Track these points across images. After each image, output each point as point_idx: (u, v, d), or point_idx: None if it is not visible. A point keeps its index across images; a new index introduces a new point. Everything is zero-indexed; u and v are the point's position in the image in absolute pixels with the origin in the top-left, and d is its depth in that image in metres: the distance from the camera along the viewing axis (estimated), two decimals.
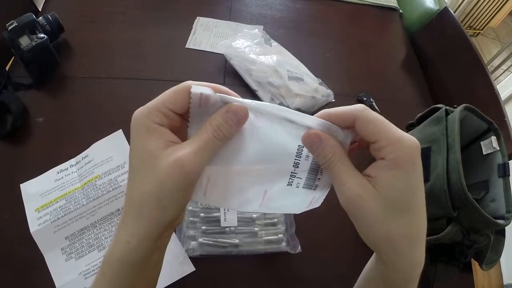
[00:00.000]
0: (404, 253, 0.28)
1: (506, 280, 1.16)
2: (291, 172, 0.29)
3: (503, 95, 1.63)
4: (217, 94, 0.27)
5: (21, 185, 0.60)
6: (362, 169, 0.28)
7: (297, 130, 0.27)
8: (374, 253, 0.34)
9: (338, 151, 0.27)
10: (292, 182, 0.29)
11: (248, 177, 0.29)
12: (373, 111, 0.27)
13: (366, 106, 0.27)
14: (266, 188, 0.30)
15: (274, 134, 0.27)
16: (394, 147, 0.25)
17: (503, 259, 1.30)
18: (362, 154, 0.30)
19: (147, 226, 0.27)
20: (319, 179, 0.29)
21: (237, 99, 0.27)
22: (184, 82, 0.27)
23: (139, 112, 0.28)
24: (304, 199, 0.30)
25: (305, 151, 0.28)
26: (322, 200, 0.31)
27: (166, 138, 0.27)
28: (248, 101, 0.27)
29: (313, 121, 0.27)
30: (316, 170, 0.29)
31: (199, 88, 0.26)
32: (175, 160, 0.25)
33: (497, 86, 1.67)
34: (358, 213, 0.27)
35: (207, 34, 0.82)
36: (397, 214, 0.26)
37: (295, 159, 0.28)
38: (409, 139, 0.26)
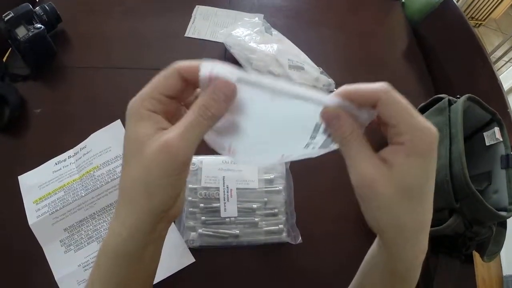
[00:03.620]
0: (411, 240, 0.28)
1: (505, 271, 1.16)
2: (307, 142, 0.30)
3: (505, 86, 1.61)
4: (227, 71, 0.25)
5: (19, 177, 0.59)
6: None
7: (316, 107, 0.27)
8: (377, 240, 0.34)
9: (355, 130, 0.26)
10: (308, 146, 0.31)
11: (266, 145, 0.31)
12: (397, 92, 0.26)
13: (390, 86, 0.26)
14: (283, 152, 0.32)
15: (292, 111, 0.27)
16: (415, 135, 0.25)
17: (503, 251, 1.30)
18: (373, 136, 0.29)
19: (137, 216, 0.27)
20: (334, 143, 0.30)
21: (249, 78, 0.26)
22: (172, 65, 0.27)
23: (132, 100, 0.28)
24: (319, 152, 0.32)
25: (321, 126, 0.28)
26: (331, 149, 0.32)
27: (157, 125, 0.26)
28: (266, 81, 0.26)
29: (331, 99, 0.27)
30: (331, 141, 0.30)
31: (207, 67, 0.25)
32: (161, 144, 0.25)
33: (499, 77, 1.66)
34: (370, 196, 0.26)
35: (206, 23, 0.81)
36: (409, 201, 0.26)
37: (312, 134, 0.29)
38: (430, 128, 0.25)
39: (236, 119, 0.28)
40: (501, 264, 1.12)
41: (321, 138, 0.29)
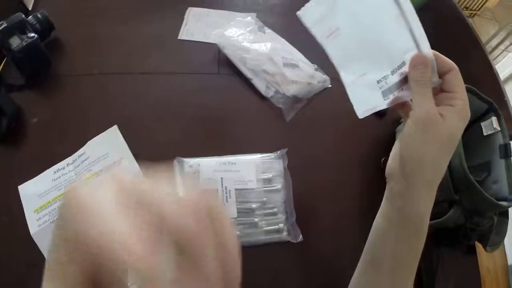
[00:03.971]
0: (432, 183, 0.35)
1: (510, 261, 1.16)
2: (386, 74, 0.36)
3: (502, 75, 1.61)
4: None
5: (19, 186, 0.59)
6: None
7: (412, 49, 0.34)
8: (389, 198, 0.38)
9: (430, 79, 0.34)
10: (380, 81, 0.37)
11: (364, 51, 0.37)
12: None
13: None
14: (366, 71, 0.38)
15: (400, 37, 0.34)
16: (464, 104, 0.34)
17: (507, 240, 1.30)
18: None
19: None
20: (394, 94, 0.37)
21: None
22: None
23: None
24: (372, 102, 0.38)
25: (403, 68, 0.35)
26: (367, 115, 0.40)
27: None
28: (408, 6, 0.32)
29: (428, 51, 0.33)
30: (398, 87, 0.36)
31: None
32: None
33: (496, 66, 1.65)
34: (431, 127, 0.33)
35: (199, 24, 0.81)
36: (449, 148, 0.34)
37: (395, 68, 0.35)
38: (469, 107, 0.35)
39: (360, 12, 0.35)
40: (505, 254, 1.11)
41: (395, 78, 0.36)
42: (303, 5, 1.07)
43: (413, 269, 0.38)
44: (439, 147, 0.34)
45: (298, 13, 0.41)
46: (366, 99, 0.39)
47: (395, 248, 0.38)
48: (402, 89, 0.36)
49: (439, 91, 0.36)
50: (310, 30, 0.38)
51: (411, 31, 0.33)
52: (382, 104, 0.38)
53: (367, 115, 0.40)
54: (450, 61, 0.35)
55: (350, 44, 0.37)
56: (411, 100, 0.36)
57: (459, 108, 0.34)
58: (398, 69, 0.35)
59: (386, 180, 0.38)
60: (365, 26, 0.36)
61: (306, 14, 0.38)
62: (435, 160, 0.34)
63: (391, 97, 0.37)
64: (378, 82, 0.37)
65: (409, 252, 0.37)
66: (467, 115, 0.34)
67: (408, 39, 0.33)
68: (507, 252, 1.14)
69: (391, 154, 0.38)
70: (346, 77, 0.39)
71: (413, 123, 0.34)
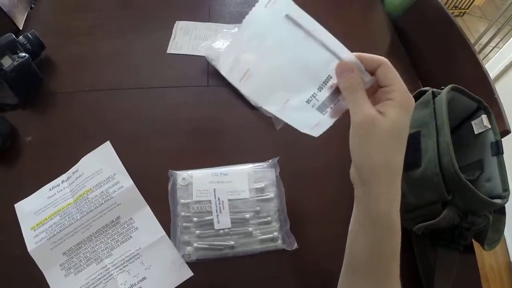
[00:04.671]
0: (393, 178, 0.35)
1: None
2: (313, 93, 0.36)
3: (493, 72, 1.60)
4: None
5: (15, 205, 0.60)
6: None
7: (332, 60, 0.34)
8: (356, 201, 0.38)
9: (362, 83, 0.34)
10: (311, 100, 0.37)
11: (279, 80, 0.36)
12: None
13: None
14: (289, 97, 0.37)
15: (314, 53, 0.34)
16: (403, 94, 0.33)
17: (508, 237, 1.29)
18: None
19: None
20: (331, 107, 0.37)
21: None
22: None
23: None
24: (312, 120, 0.38)
25: (331, 81, 0.35)
26: (321, 132, 0.40)
27: None
28: (312, 24, 0.33)
29: (349, 56, 0.34)
30: (332, 100, 0.36)
31: None
32: None
33: (487, 64, 1.65)
34: (371, 130, 0.33)
35: (187, 38, 0.82)
36: (398, 141, 0.34)
37: (321, 84, 0.35)
38: (410, 95, 0.34)
39: (265, 47, 0.34)
40: (508, 251, 1.11)
41: (325, 93, 0.36)
42: None
43: (390, 270, 0.37)
44: (386, 146, 0.33)
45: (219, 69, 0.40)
46: (305, 119, 0.38)
47: (367, 249, 0.37)
48: (339, 100, 0.36)
49: (377, 88, 0.35)
50: (228, 80, 0.37)
51: (323, 45, 0.33)
52: (323, 118, 0.38)
53: (322, 132, 0.40)
54: (378, 57, 0.35)
55: (263, 79, 0.36)
56: None
57: (398, 100, 0.33)
58: (325, 84, 0.35)
59: (353, 185, 0.38)
60: (276, 57, 0.35)
61: (222, 67, 0.37)
62: (386, 160, 0.34)
63: (329, 110, 0.37)
64: (307, 102, 0.37)
65: (381, 252, 0.37)
66: (408, 104, 0.34)
67: (323, 52, 0.33)
68: (510, 249, 1.14)
69: (352, 161, 0.38)
70: (271, 108, 0.38)
71: (354, 131, 0.34)
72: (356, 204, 0.38)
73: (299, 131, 0.72)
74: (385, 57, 0.92)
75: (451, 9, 2.55)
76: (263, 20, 0.33)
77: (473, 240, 0.61)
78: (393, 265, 0.37)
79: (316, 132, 0.40)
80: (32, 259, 0.55)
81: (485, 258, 1.05)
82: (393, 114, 0.33)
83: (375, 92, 0.35)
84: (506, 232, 1.23)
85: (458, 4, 2.56)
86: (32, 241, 0.57)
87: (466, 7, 2.58)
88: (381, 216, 0.35)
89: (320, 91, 0.36)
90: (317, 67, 0.34)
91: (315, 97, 0.36)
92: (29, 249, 0.56)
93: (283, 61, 0.35)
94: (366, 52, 0.36)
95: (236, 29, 0.79)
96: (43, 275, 0.55)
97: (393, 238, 0.36)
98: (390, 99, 0.33)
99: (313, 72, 0.35)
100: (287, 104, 0.38)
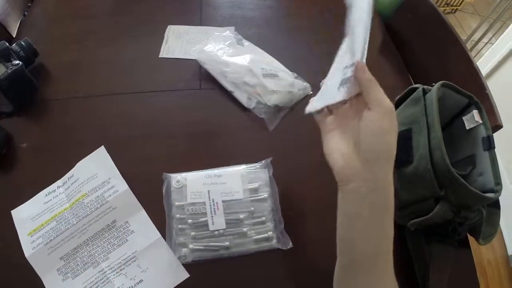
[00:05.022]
0: (389, 163, 0.36)
1: (510, 251, 1.15)
2: (349, 63, 0.40)
3: (486, 67, 1.60)
4: None
5: (12, 211, 0.60)
6: None
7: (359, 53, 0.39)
8: (348, 196, 0.38)
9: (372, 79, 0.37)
10: (346, 68, 0.41)
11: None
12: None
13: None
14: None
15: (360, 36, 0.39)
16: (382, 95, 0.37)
17: (505, 230, 1.29)
18: None
19: None
20: (347, 86, 0.39)
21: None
22: None
23: None
24: (337, 91, 0.41)
25: (352, 68, 0.39)
26: (322, 105, 0.43)
27: None
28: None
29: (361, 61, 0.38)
30: (348, 82, 0.39)
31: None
32: None
33: (480, 60, 1.65)
34: (384, 116, 0.36)
35: (179, 42, 0.82)
36: (395, 135, 0.36)
37: (351, 64, 0.40)
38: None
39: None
40: (505, 244, 1.11)
41: (349, 72, 0.39)
42: (280, 16, 1.09)
43: (390, 259, 0.39)
44: (390, 134, 0.36)
45: None
46: (334, 80, 0.43)
47: (377, 240, 0.38)
48: (353, 85, 0.39)
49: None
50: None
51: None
52: (336, 91, 0.41)
53: (320, 107, 0.43)
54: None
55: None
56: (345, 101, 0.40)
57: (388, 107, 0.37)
58: (351, 67, 0.39)
59: (343, 184, 0.38)
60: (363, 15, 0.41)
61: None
62: (395, 147, 0.37)
63: (341, 89, 0.40)
64: (345, 67, 0.41)
65: (389, 238, 0.38)
66: (383, 98, 0.37)
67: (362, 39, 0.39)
68: (507, 242, 1.14)
69: (339, 155, 0.39)
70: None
71: (383, 116, 0.36)
72: (354, 203, 0.38)
73: (291, 132, 0.72)
74: (376, 56, 0.95)
75: (443, 7, 2.55)
76: None
77: (468, 235, 0.61)
78: (391, 253, 0.38)
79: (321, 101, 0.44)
80: (30, 264, 0.56)
81: (483, 253, 1.05)
82: (381, 109, 0.36)
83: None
84: (503, 226, 1.23)
85: (450, 1, 2.57)
86: (29, 246, 0.57)
87: (458, 4, 2.59)
88: (391, 202, 0.37)
89: (351, 67, 0.39)
90: (357, 48, 0.39)
91: (348, 69, 0.40)
92: (26, 255, 0.56)
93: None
94: None
95: (228, 31, 0.79)
96: (40, 280, 0.55)
97: (392, 226, 0.37)
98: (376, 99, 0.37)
99: (355, 49, 0.39)
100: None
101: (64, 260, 0.57)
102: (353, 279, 0.40)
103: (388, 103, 0.36)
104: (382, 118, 0.36)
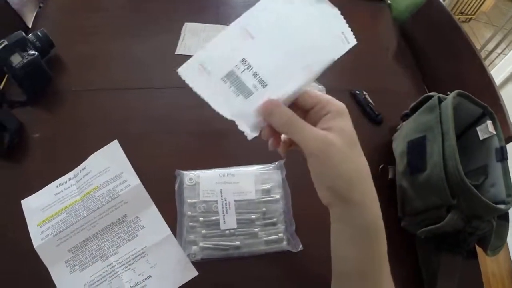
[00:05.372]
0: (367, 182, 0.35)
1: None
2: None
3: (499, 78, 1.60)
4: None
5: (22, 201, 0.60)
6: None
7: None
8: (334, 217, 0.38)
9: (292, 115, 0.33)
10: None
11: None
12: None
13: None
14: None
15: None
16: (333, 104, 0.34)
17: (511, 244, 1.28)
18: None
19: None
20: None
21: None
22: None
23: None
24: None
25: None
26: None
27: None
28: None
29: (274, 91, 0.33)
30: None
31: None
32: None
33: (493, 70, 1.65)
34: (331, 150, 0.32)
35: (196, 39, 0.82)
36: (355, 146, 0.34)
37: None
38: (338, 101, 0.35)
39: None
40: (510, 258, 1.11)
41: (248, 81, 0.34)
42: None
43: (382, 271, 0.38)
44: (349, 157, 0.33)
45: None
46: (225, 57, 0.34)
47: (360, 257, 0.37)
48: (238, 95, 0.34)
49: (306, 113, 0.35)
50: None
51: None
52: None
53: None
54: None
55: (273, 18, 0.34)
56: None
57: (334, 110, 0.34)
58: (258, 81, 0.34)
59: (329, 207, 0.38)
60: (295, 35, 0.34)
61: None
62: (355, 170, 0.34)
63: (227, 84, 0.34)
64: (243, 60, 0.34)
65: (374, 256, 0.37)
66: (343, 108, 0.34)
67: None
68: None
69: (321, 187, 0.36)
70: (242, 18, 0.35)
71: (314, 159, 0.33)
72: (338, 222, 0.38)
73: None
74: (391, 61, 0.94)
75: (457, 15, 2.56)
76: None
77: (476, 246, 0.61)
78: (384, 267, 0.38)
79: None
80: (38, 255, 0.56)
81: (488, 264, 1.05)
82: (338, 125, 0.33)
83: (305, 117, 0.35)
84: (509, 240, 1.23)
85: (465, 10, 2.57)
86: (38, 237, 0.57)
87: (473, 13, 2.60)
88: (370, 224, 0.35)
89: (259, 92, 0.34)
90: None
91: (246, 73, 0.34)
92: (35, 245, 0.56)
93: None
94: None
95: None
96: (48, 271, 0.55)
97: (382, 240, 0.37)
98: (327, 113, 0.34)
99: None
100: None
101: (72, 252, 0.57)
102: None
103: (321, 136, 0.32)
104: (327, 157, 0.32)
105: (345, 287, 0.42)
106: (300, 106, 0.35)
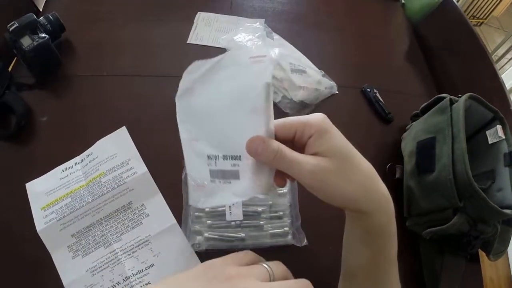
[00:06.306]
0: (378, 188, 0.34)
1: None
2: (217, 155, 0.35)
3: (509, 83, 1.60)
4: None
5: (26, 184, 0.60)
6: None
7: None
8: (348, 217, 0.39)
9: (279, 149, 0.31)
10: (210, 158, 0.35)
11: (208, 119, 0.35)
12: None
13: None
14: (199, 138, 0.36)
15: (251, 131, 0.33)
16: (311, 125, 0.32)
17: (511, 250, 1.28)
18: None
19: None
20: (220, 182, 0.35)
21: None
22: None
23: None
24: (202, 174, 0.36)
25: (237, 161, 0.33)
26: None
27: None
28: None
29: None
30: (228, 176, 0.34)
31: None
32: None
33: (503, 75, 1.65)
34: (326, 180, 0.32)
35: (208, 29, 0.82)
36: (352, 162, 0.33)
37: (229, 155, 0.34)
38: (315, 114, 0.33)
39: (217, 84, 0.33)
40: (509, 264, 1.11)
41: (225, 165, 0.34)
42: (310, 12, 1.08)
43: (390, 275, 0.39)
44: (346, 174, 0.32)
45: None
46: (198, 167, 0.35)
47: (369, 259, 0.38)
48: (230, 182, 0.34)
49: (290, 143, 0.34)
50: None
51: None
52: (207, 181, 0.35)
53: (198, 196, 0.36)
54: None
55: (201, 103, 0.34)
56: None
57: (316, 130, 0.32)
58: (231, 159, 0.33)
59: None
60: (225, 94, 0.33)
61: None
62: (359, 182, 0.33)
63: (217, 182, 0.34)
64: (208, 157, 0.34)
65: (383, 260, 0.38)
66: (324, 124, 0.33)
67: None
68: (511, 262, 1.14)
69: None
70: (182, 132, 0.37)
71: (312, 189, 0.33)
72: (349, 222, 0.38)
73: None
74: (403, 60, 0.93)
75: (469, 19, 2.55)
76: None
77: (479, 250, 0.61)
78: (392, 270, 0.39)
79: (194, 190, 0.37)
80: (40, 239, 0.55)
81: (486, 269, 1.04)
82: (324, 147, 0.32)
83: (292, 145, 0.34)
84: (509, 246, 1.22)
85: (476, 14, 2.57)
86: (41, 221, 0.57)
87: (484, 18, 2.60)
88: (380, 229, 0.36)
89: (224, 160, 0.34)
90: (238, 140, 0.32)
91: (216, 159, 0.34)
92: (38, 229, 0.56)
93: (228, 110, 0.33)
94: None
95: (258, 23, 0.79)
96: (50, 255, 0.55)
97: (393, 245, 0.37)
98: (310, 136, 0.32)
99: (233, 141, 0.33)
100: (193, 141, 0.37)
101: (75, 238, 0.57)
102: None
103: (313, 166, 0.31)
104: (325, 185, 0.32)
105: (348, 285, 0.42)
106: (282, 139, 0.33)
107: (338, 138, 0.33)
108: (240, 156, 0.32)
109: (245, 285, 0.27)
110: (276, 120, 0.33)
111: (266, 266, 0.30)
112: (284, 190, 0.60)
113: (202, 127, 0.35)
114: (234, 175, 0.33)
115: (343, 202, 0.34)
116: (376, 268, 0.38)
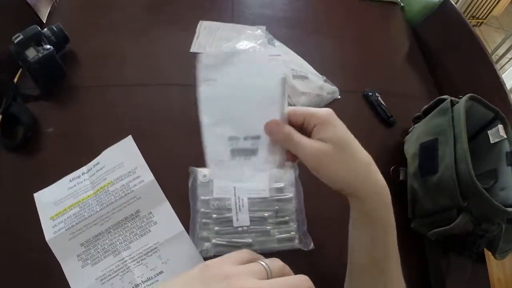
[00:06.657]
0: (373, 176, 0.39)
1: None
2: (238, 136, 0.41)
3: (509, 83, 1.61)
4: None
5: (34, 194, 0.60)
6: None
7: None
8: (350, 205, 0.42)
9: (290, 131, 0.38)
10: (232, 139, 0.41)
11: (230, 104, 0.41)
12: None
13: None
14: (222, 121, 0.41)
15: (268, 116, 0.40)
16: (317, 116, 0.37)
17: None
18: None
19: None
20: (242, 159, 0.41)
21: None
22: None
23: None
24: (220, 154, 0.42)
25: (257, 141, 0.40)
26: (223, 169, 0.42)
27: None
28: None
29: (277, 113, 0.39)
30: (249, 154, 0.40)
31: None
32: None
33: (503, 75, 1.65)
34: (324, 163, 0.37)
35: (210, 38, 0.83)
36: (350, 150, 0.37)
37: (249, 136, 0.41)
38: (324, 108, 0.38)
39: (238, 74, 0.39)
40: None
41: (246, 144, 0.40)
42: (310, 18, 1.08)
43: (390, 266, 0.41)
44: (344, 162, 0.37)
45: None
46: (218, 149, 0.41)
47: (368, 248, 0.41)
48: (250, 158, 0.40)
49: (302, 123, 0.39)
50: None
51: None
52: (228, 160, 0.41)
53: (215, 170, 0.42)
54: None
55: (223, 93, 0.39)
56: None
57: (323, 121, 0.37)
58: (251, 139, 0.40)
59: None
60: (245, 86, 0.39)
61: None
62: (358, 170, 0.38)
63: (238, 159, 0.40)
64: (229, 138, 0.40)
65: (381, 249, 0.40)
66: (330, 115, 0.38)
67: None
68: None
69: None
70: (204, 118, 0.41)
71: (312, 170, 0.38)
72: (352, 209, 0.42)
73: None
74: (403, 63, 0.94)
75: (468, 19, 2.55)
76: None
77: (484, 249, 0.62)
78: (392, 258, 0.41)
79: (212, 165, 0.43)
80: (49, 248, 0.56)
81: (493, 270, 1.04)
82: (326, 135, 0.37)
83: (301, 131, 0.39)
84: None
85: (476, 14, 2.57)
86: (50, 230, 0.57)
87: (484, 17, 2.60)
88: (375, 215, 0.39)
89: (245, 140, 0.40)
90: (258, 122, 0.39)
91: (237, 140, 0.40)
92: (47, 239, 0.56)
93: (248, 95, 0.39)
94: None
95: (259, 31, 0.80)
96: (59, 265, 0.55)
97: (390, 234, 0.40)
98: (315, 125, 0.37)
99: (253, 123, 0.40)
100: (216, 125, 0.41)
101: (84, 247, 0.57)
102: (355, 280, 0.45)
103: (315, 149, 0.37)
104: (324, 167, 0.37)
105: (355, 279, 0.44)
106: (293, 124, 0.39)
107: (339, 129, 0.38)
108: (259, 135, 0.39)
109: (242, 283, 0.28)
110: (288, 107, 0.39)
111: (263, 263, 0.31)
112: (290, 195, 0.61)
113: (224, 113, 0.40)
114: (253, 152, 0.40)
115: (341, 185, 0.38)
116: (376, 256, 0.40)
